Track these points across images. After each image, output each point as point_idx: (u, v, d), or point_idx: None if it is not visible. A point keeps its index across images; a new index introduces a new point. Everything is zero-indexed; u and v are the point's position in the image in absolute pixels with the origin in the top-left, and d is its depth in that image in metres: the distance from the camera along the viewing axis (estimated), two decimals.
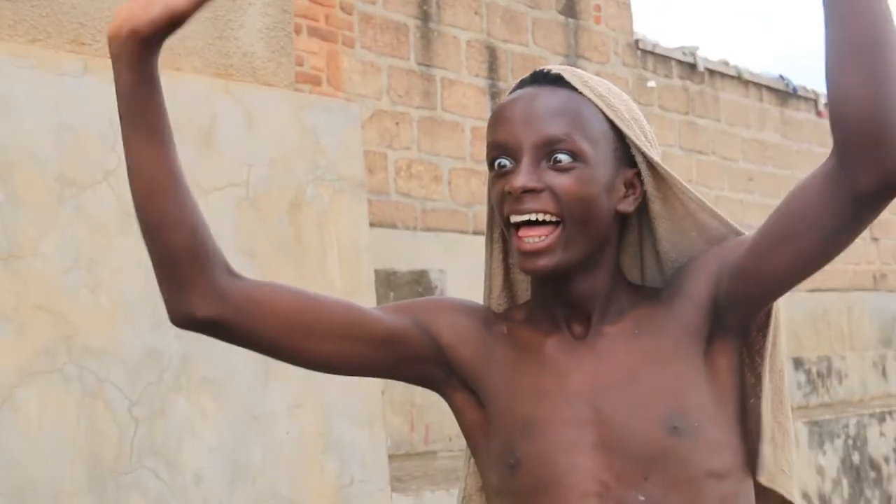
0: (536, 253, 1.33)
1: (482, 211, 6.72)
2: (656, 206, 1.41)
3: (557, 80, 1.39)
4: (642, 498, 1.32)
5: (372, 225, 4.15)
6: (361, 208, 3.43)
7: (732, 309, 1.36)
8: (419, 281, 5.92)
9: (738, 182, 8.66)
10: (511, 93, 1.41)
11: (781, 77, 9.42)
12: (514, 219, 1.34)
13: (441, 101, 6.49)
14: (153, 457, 2.73)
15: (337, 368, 1.43)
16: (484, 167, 6.05)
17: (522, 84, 1.41)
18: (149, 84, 1.27)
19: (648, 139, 1.41)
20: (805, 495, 5.60)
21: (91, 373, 2.65)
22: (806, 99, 9.66)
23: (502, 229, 1.43)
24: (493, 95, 6.82)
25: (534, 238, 1.33)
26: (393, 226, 5.97)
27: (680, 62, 8.40)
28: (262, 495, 2.94)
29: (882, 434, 6.47)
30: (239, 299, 1.33)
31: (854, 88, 1.18)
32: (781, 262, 1.31)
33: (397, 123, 6.21)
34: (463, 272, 6.24)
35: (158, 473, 2.73)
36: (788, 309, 8.80)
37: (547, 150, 1.34)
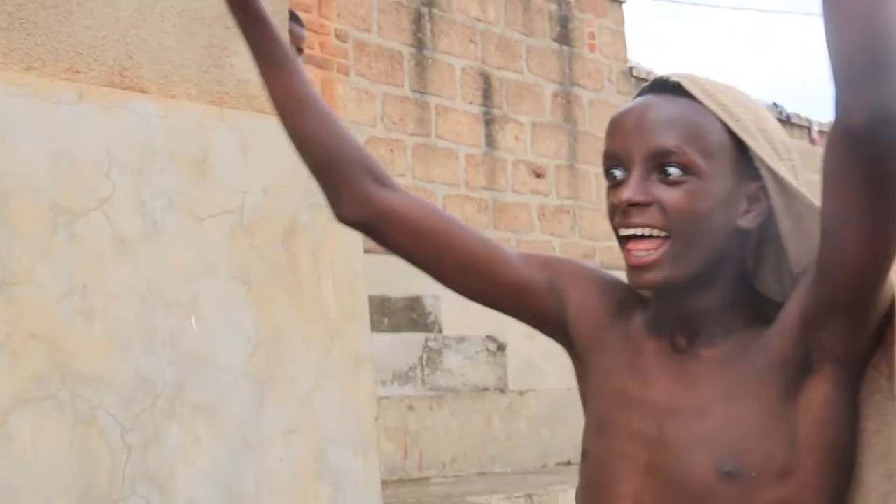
0: (644, 267, 1.29)
1: None
2: (784, 224, 1.30)
3: (676, 89, 1.32)
4: None
5: (366, 251, 4.16)
6: (356, 235, 3.43)
7: (825, 324, 1.21)
8: (413, 307, 5.92)
9: None
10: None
11: (775, 104, 9.47)
12: (622, 232, 1.31)
13: (435, 128, 6.52)
14: (146, 484, 2.72)
15: (470, 297, 1.50)
16: (478, 193, 6.12)
17: (643, 92, 1.36)
18: (248, 20, 1.45)
19: (778, 150, 1.31)
20: None
21: (84, 400, 2.65)
22: (799, 126, 9.71)
23: None
24: (488, 122, 6.85)
25: (641, 252, 1.29)
26: (387, 252, 5.97)
27: None
28: None
29: None
30: (381, 209, 1.46)
31: (851, 17, 1.08)
32: (852, 240, 1.16)
33: (392, 150, 6.23)
34: (458, 298, 6.24)
35: (151, 501, 2.72)
36: None
37: (658, 162, 1.29)
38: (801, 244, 1.29)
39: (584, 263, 1.51)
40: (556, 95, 7.34)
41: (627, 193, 1.28)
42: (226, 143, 3.07)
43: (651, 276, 1.29)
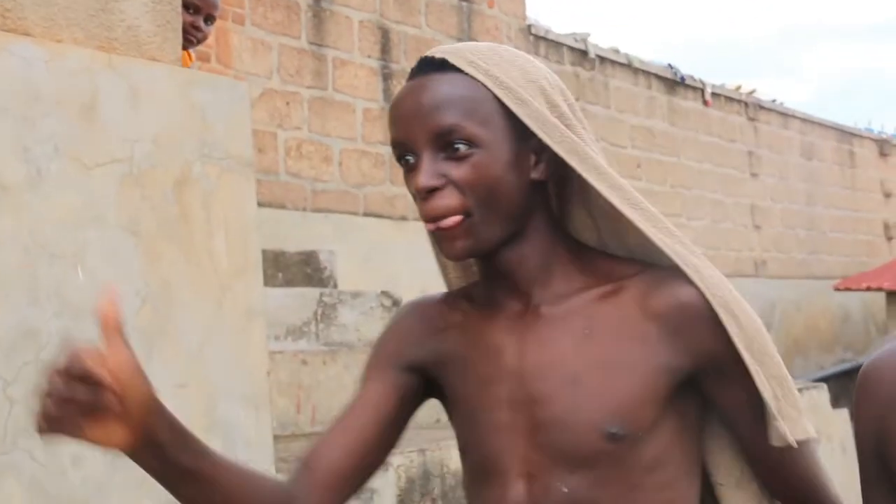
0: (448, 242, 1.35)
1: (373, 192, 6.70)
2: (574, 162, 1.36)
3: (444, 65, 1.37)
4: (565, 490, 1.33)
5: (261, 205, 4.11)
6: (249, 188, 3.39)
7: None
8: (308, 262, 5.88)
9: (627, 168, 8.81)
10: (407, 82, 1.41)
11: (670, 66, 9.61)
12: (426, 218, 1.36)
13: (332, 82, 6.45)
14: (29, 438, 2.66)
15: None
16: (375, 148, 6.10)
17: (413, 75, 1.40)
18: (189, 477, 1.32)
19: (549, 97, 1.37)
20: None
21: None
22: (693, 88, 9.87)
23: None
24: (386, 77, 6.81)
25: (443, 228, 1.35)
26: (282, 206, 5.92)
27: (571, 48, 8.50)
28: (144, 476, 2.88)
29: None
30: (315, 498, 1.41)
31: None
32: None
33: (288, 103, 6.15)
34: (353, 253, 6.22)
35: (34, 455, 2.66)
36: None
37: (443, 142, 1.34)
38: (602, 181, 1.35)
39: (390, 326, 1.56)
40: None
41: (423, 181, 1.33)
42: (114, 90, 2.99)
43: (458, 248, 1.36)
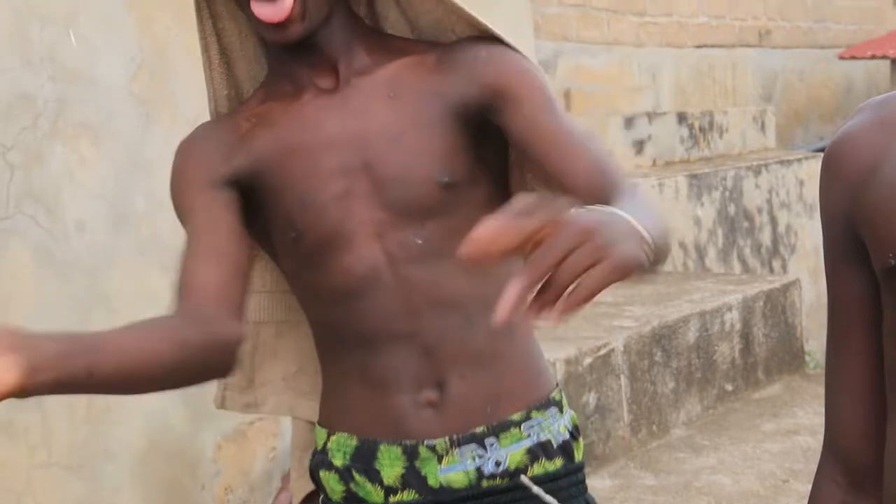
0: (283, 24, 1.35)
1: None
2: None
3: None
4: (419, 241, 1.40)
5: None
6: None
7: (496, 125, 1.42)
8: None
9: None
10: None
11: None
12: (257, 7, 1.35)
13: None
14: (32, 203, 2.68)
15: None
16: None
17: None
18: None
19: None
20: (682, 244, 5.82)
21: None
22: None
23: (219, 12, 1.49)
24: None
25: (276, 11, 1.34)
26: None
27: None
28: (146, 242, 2.92)
29: (757, 186, 6.69)
30: (230, 325, 1.34)
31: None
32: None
33: None
34: None
35: (38, 220, 2.68)
36: (675, 65, 8.86)
37: None
38: None
39: (178, 163, 1.49)
40: None
41: None
42: None
43: (292, 31, 1.36)
